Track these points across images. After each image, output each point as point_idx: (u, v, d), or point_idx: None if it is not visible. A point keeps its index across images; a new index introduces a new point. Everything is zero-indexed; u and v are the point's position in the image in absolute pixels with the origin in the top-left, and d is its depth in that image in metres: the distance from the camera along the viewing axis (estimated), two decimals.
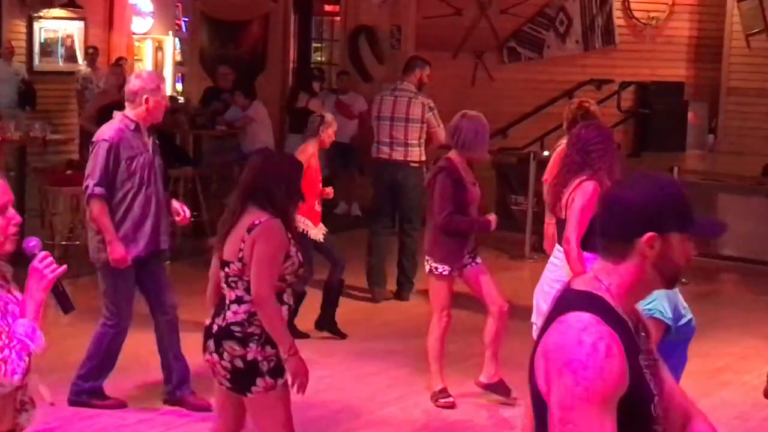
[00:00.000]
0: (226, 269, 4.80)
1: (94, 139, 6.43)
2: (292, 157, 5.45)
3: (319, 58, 16.73)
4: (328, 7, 16.36)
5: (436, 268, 6.83)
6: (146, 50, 18.58)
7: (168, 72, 18.39)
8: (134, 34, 17.66)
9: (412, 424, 6.64)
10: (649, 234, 2.58)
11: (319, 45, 16.86)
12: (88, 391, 6.49)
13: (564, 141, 6.95)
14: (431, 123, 9.44)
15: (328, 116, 8.45)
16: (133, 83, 6.46)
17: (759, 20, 15.21)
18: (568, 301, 2.61)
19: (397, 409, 6.85)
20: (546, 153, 13.36)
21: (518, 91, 14.19)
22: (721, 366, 8.07)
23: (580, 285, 2.66)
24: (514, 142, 13.09)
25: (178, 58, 18.75)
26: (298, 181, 5.01)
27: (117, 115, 6.45)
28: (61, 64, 15.95)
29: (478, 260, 6.97)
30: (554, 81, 14.67)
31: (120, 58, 15.31)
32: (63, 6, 15.73)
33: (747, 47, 15.37)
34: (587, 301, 2.59)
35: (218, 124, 13.39)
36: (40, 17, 15.70)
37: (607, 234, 2.65)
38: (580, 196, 5.80)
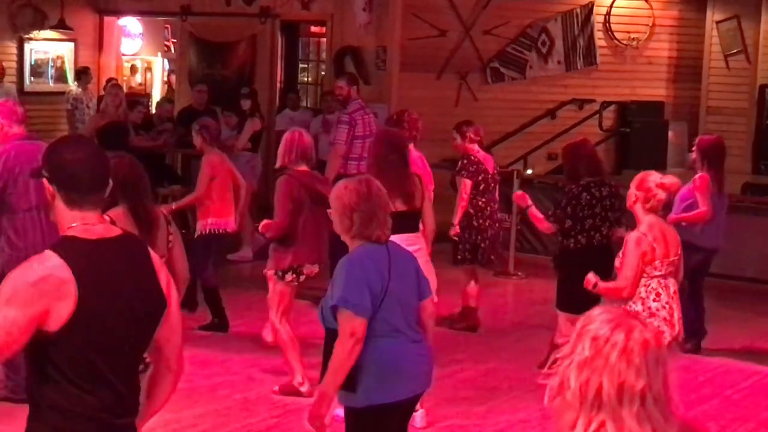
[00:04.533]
0: None
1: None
2: None
3: (305, 79, 16.93)
4: (314, 29, 16.55)
5: None
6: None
7: (156, 92, 18.63)
8: (124, 55, 17.87)
9: None
10: None
11: (306, 65, 17.06)
12: None
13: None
14: None
15: None
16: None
17: (737, 41, 15.48)
18: None
19: None
20: (529, 171, 13.62)
21: (501, 110, 14.38)
22: (702, 380, 8.28)
23: None
24: (498, 161, 13.17)
25: (167, 78, 18.97)
26: None
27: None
28: (51, 84, 16.14)
29: None
30: (537, 101, 14.87)
31: (111, 79, 15.51)
32: (53, 28, 15.92)
33: (726, 67, 15.64)
34: None
35: None
36: (31, 39, 15.90)
37: None
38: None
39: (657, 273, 6.11)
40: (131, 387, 3.42)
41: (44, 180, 3.38)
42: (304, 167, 7.55)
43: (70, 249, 3.24)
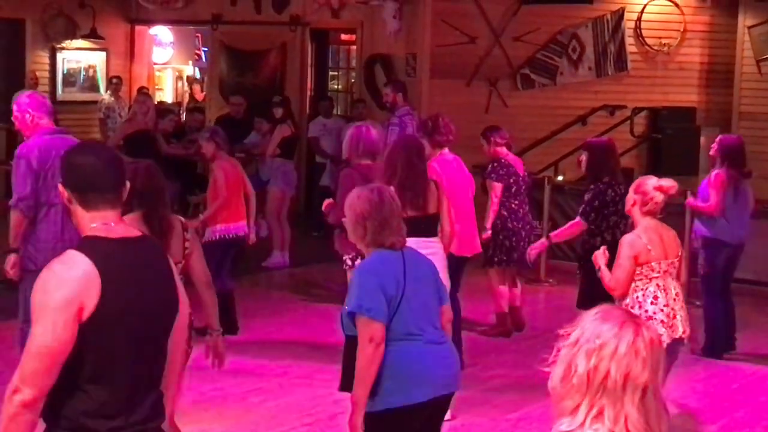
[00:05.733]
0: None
1: None
2: None
3: (336, 86, 16.95)
4: (344, 36, 16.58)
5: None
6: (167, 79, 18.90)
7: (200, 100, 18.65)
8: (155, 64, 17.97)
9: None
10: None
11: (336, 73, 17.08)
12: None
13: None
14: None
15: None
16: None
17: None
18: None
19: None
20: (560, 178, 13.57)
21: (532, 117, 14.34)
22: (735, 387, 8.22)
23: None
24: (529, 168, 13.12)
25: (189, 88, 19.04)
26: None
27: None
28: (83, 93, 16.25)
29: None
30: (567, 107, 14.81)
31: (142, 88, 15.61)
32: (85, 37, 16.04)
33: (758, 72, 15.52)
34: None
35: (237, 151, 13.59)
36: (63, 48, 16.02)
37: None
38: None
39: (654, 275, 6.16)
40: (145, 385, 3.42)
41: (60, 185, 3.46)
42: (367, 162, 7.70)
43: (93, 247, 3.30)
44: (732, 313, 8.96)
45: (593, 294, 7.10)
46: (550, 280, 11.78)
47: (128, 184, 3.48)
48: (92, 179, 3.38)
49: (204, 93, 18.68)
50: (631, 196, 6.26)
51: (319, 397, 7.46)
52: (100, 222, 3.37)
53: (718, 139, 9.15)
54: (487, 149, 9.48)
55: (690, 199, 9.24)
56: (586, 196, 7.99)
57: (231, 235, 9.18)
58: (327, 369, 7.65)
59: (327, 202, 7.59)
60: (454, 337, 5.36)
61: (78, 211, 3.40)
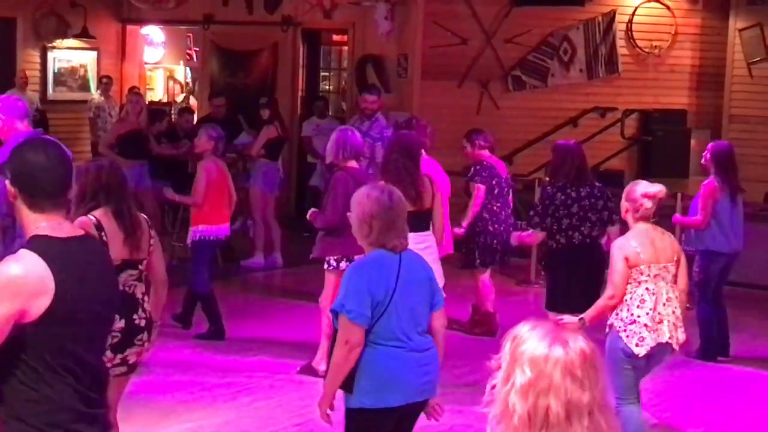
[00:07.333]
0: (140, 267, 5.36)
1: None
2: None
3: (327, 87, 16.94)
4: (336, 37, 16.58)
5: None
6: (158, 79, 18.88)
7: (179, 100, 18.66)
8: (146, 63, 17.95)
9: None
10: None
11: (327, 74, 17.07)
12: None
13: None
14: None
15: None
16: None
17: (760, 49, 15.38)
18: None
19: None
20: None
21: (523, 118, 14.35)
22: (723, 391, 8.24)
23: None
24: (520, 169, 13.26)
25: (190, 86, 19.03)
26: None
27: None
28: (74, 93, 16.21)
29: None
30: (559, 109, 14.83)
31: (133, 87, 15.58)
32: (76, 36, 16.00)
33: (749, 75, 15.53)
34: None
35: (228, 151, 13.56)
36: (54, 47, 15.99)
37: None
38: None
39: (643, 278, 6.16)
40: (97, 379, 3.49)
41: (7, 182, 3.43)
42: (353, 164, 7.78)
43: (44, 246, 3.30)
44: (724, 319, 8.98)
45: (557, 294, 7.23)
46: (540, 282, 11.78)
47: (76, 186, 3.54)
48: (41, 181, 3.36)
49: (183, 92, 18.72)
50: (623, 204, 6.33)
51: (309, 397, 7.44)
52: (46, 222, 3.37)
53: (709, 147, 9.09)
54: (471, 151, 9.51)
55: (676, 216, 9.36)
56: (537, 204, 8.03)
57: (212, 237, 9.12)
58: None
59: (311, 212, 7.71)
60: None
61: (23, 209, 3.39)
